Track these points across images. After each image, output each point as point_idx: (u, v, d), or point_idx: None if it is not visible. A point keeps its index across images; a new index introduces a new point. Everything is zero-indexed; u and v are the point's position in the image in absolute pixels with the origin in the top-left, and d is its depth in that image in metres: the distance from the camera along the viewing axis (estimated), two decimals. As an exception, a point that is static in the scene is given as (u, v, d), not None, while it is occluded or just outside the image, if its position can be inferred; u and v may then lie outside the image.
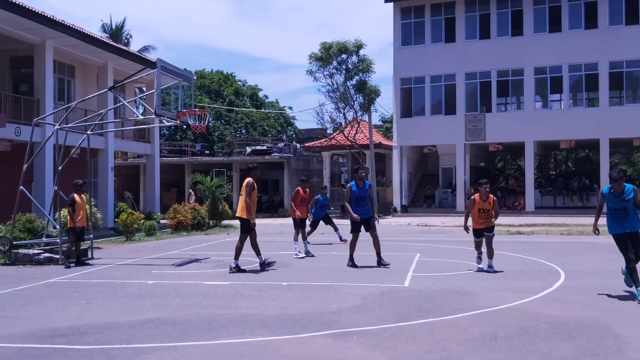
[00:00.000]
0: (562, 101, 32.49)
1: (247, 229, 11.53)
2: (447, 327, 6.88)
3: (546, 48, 30.31)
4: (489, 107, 32.02)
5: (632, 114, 29.20)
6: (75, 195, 13.52)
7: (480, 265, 11.24)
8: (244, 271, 11.51)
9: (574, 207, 30.30)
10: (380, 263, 11.81)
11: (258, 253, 11.76)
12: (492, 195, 11.01)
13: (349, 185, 12.03)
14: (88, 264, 13.39)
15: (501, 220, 25.88)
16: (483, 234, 10.95)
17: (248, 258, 12.41)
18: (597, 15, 29.63)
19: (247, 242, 11.69)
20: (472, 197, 11.00)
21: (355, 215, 11.55)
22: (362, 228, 11.81)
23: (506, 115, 33.10)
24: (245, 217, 11.42)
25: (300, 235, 14.38)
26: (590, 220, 24.64)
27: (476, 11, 31.83)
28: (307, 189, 14.94)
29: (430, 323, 7.12)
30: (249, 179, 11.61)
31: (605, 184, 29.40)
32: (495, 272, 10.80)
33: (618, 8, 29.44)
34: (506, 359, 5.66)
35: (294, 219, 14.58)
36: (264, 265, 11.70)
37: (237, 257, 11.58)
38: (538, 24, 30.74)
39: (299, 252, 14.05)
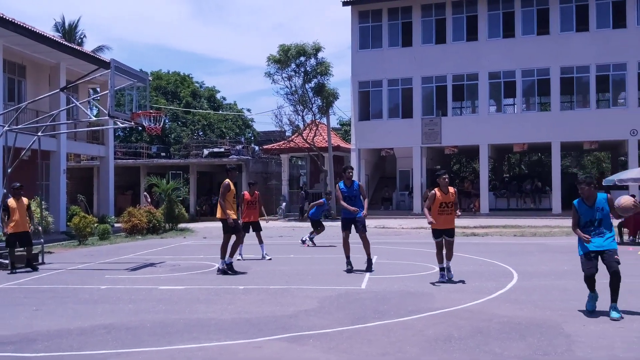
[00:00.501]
0: (516, 105, 33.22)
1: (229, 229, 11.58)
2: (403, 329, 6.93)
3: (500, 53, 30.96)
4: (444, 110, 32.50)
5: (582, 118, 30.08)
6: (10, 200, 13.08)
7: (440, 281, 10.08)
8: (236, 273, 11.50)
9: (526, 209, 31.00)
10: (369, 267, 11.58)
11: (222, 256, 11.66)
12: (452, 187, 10.23)
13: (337, 185, 11.97)
14: (37, 269, 12.99)
15: (456, 222, 26.24)
16: (443, 235, 10.11)
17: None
18: (548, 21, 30.43)
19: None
20: (433, 191, 10.11)
21: (352, 209, 11.32)
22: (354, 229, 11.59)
23: (461, 119, 33.67)
24: (221, 217, 11.59)
25: (256, 239, 14.33)
26: (542, 221, 25.37)
27: (432, 16, 32.28)
28: (255, 192, 14.70)
29: (386, 325, 7.16)
30: (225, 180, 11.74)
31: (557, 187, 30.23)
32: (452, 281, 9.96)
33: (569, 15, 30.29)
34: (460, 360, 5.73)
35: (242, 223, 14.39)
36: (223, 272, 11.56)
37: (223, 256, 11.63)
38: (492, 30, 31.37)
39: (240, 255, 13.84)
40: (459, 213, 10.28)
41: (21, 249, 13.42)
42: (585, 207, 7.56)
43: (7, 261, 13.28)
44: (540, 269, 11.81)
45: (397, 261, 13.44)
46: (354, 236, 11.64)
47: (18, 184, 13.48)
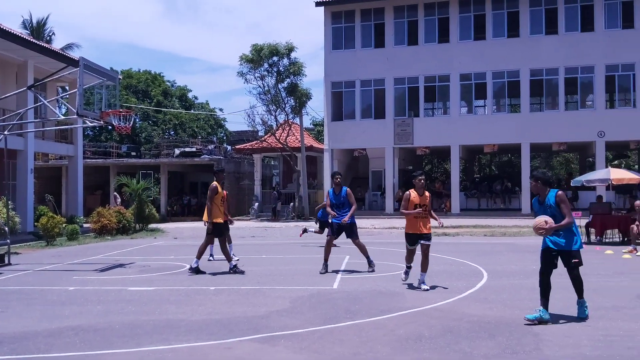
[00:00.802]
0: (486, 107, 33.61)
1: (215, 232, 11.65)
2: (374, 328, 6.96)
3: (471, 55, 31.29)
4: (416, 111, 32.72)
5: (551, 120, 30.57)
6: None
7: (406, 281, 9.91)
8: (203, 272, 11.47)
9: (496, 209, 31.39)
10: (370, 266, 11.60)
11: (198, 256, 11.69)
12: (427, 191, 9.65)
13: (327, 192, 11.97)
14: None
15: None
16: (418, 241, 9.52)
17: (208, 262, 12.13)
18: (519, 24, 30.86)
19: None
20: (407, 192, 9.52)
21: (332, 213, 11.31)
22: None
23: (433, 120, 33.94)
24: (206, 220, 11.77)
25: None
26: (512, 221, 25.69)
27: (404, 18, 32.48)
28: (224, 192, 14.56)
29: (357, 324, 7.18)
30: (212, 183, 11.82)
31: (526, 187, 30.66)
32: (427, 289, 9.30)
33: (538, 18, 30.76)
34: (431, 359, 5.77)
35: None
36: (196, 271, 11.53)
37: (199, 256, 11.64)
38: (464, 32, 31.69)
39: (211, 256, 13.97)
40: (442, 223, 9.79)
41: None
42: (537, 204, 7.50)
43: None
44: (509, 268, 11.97)
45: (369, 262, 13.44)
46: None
47: None
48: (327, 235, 11.86)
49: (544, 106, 32.82)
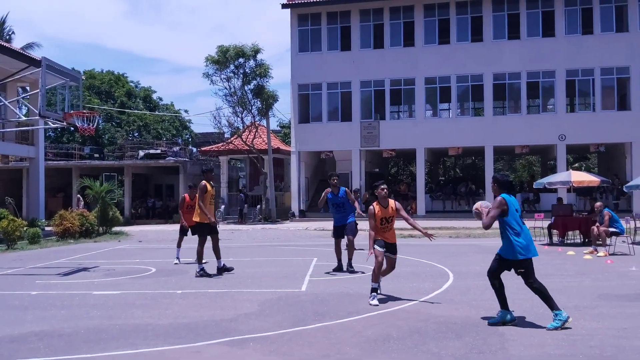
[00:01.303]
0: (451, 110, 34.07)
1: (203, 232, 11.58)
2: (342, 330, 6.99)
3: (436, 59, 31.69)
4: (382, 114, 32.98)
5: (513, 124, 31.17)
6: None
7: (373, 302, 8.39)
8: (209, 276, 11.39)
9: (461, 211, 31.82)
10: (349, 269, 11.75)
11: (199, 261, 11.62)
12: (392, 200, 9.02)
13: (325, 193, 12.27)
14: None
15: (394, 224, 26.69)
16: (386, 252, 8.79)
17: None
18: (482, 29, 31.39)
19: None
20: (371, 208, 8.77)
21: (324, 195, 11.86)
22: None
23: (399, 123, 34.25)
24: (198, 221, 11.60)
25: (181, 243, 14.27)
26: (476, 223, 26.03)
27: (370, 21, 32.71)
28: (195, 195, 14.45)
29: (326, 326, 7.20)
30: (201, 182, 11.72)
31: (490, 189, 31.14)
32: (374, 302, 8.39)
33: (501, 23, 31.35)
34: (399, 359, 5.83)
35: (181, 226, 14.18)
36: (222, 270, 11.62)
37: (199, 260, 11.57)
38: (428, 36, 32.09)
39: (177, 259, 13.95)
40: (433, 238, 9.15)
41: None
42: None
43: None
44: (474, 269, 12.13)
45: (337, 263, 13.49)
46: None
47: None
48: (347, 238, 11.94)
49: (506, 110, 33.46)
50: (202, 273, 11.41)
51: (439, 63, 31.61)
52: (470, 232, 22.59)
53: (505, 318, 7.08)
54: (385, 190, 8.92)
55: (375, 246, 8.62)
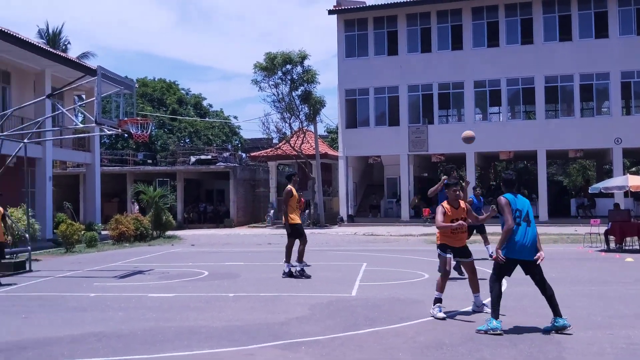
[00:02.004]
0: (501, 114, 33.49)
1: (292, 233, 11.94)
2: (394, 336, 6.96)
3: (485, 62, 31.23)
4: (431, 118, 32.69)
5: (566, 127, 30.39)
6: None
7: (440, 314, 7.77)
8: (298, 276, 11.73)
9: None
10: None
11: (287, 260, 12.00)
12: (462, 201, 8.58)
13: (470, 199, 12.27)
14: (4, 285, 11.74)
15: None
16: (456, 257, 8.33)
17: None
18: (532, 31, 30.78)
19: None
20: (440, 206, 8.44)
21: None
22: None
23: (448, 127, 33.85)
24: (285, 222, 12.06)
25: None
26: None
27: (417, 25, 32.50)
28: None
29: (377, 332, 7.18)
30: (287, 187, 12.17)
31: (543, 194, 30.44)
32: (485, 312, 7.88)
33: (552, 25, 30.66)
34: (453, 366, 5.77)
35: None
36: (290, 275, 11.87)
37: (287, 260, 11.98)
38: (477, 39, 31.66)
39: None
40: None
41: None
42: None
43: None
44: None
45: (387, 268, 13.48)
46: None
47: None
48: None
49: (559, 113, 32.64)
50: (291, 273, 11.80)
51: (489, 66, 31.13)
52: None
53: (491, 325, 6.92)
54: (458, 192, 8.41)
55: (447, 255, 8.14)
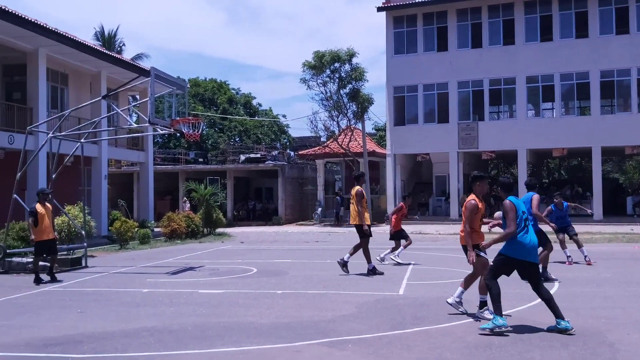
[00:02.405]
0: (554, 109, 32.68)
1: (365, 233, 12.11)
2: (442, 335, 6.91)
3: (538, 57, 30.53)
4: (481, 115, 32.18)
5: (623, 123, 29.42)
6: (38, 205, 12.33)
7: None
8: (381, 273, 11.92)
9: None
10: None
11: (369, 260, 12.13)
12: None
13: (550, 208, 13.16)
14: (59, 281, 12.07)
15: (495, 228, 25.92)
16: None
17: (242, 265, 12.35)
18: (587, 24, 29.90)
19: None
20: (472, 201, 7.88)
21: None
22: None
23: (499, 124, 33.27)
24: (358, 223, 12.13)
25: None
26: (583, 227, 24.86)
27: (468, 20, 32.03)
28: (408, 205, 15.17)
29: (425, 331, 7.14)
30: (357, 188, 12.27)
31: (598, 192, 29.55)
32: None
33: (608, 18, 29.72)
34: (501, 367, 5.69)
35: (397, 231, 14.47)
36: (372, 272, 11.97)
37: (369, 260, 12.08)
38: (529, 33, 30.97)
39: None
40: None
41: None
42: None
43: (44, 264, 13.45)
44: (581, 275, 11.61)
45: (435, 267, 13.37)
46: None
47: (48, 190, 13.38)
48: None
49: (615, 108, 31.64)
50: (375, 270, 11.95)
51: (541, 61, 30.41)
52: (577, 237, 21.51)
53: (497, 323, 6.86)
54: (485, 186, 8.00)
55: (482, 254, 7.81)
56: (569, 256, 13.29)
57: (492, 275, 7.19)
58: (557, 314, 6.88)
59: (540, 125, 31.46)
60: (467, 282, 8.05)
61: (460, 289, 8.03)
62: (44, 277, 12.22)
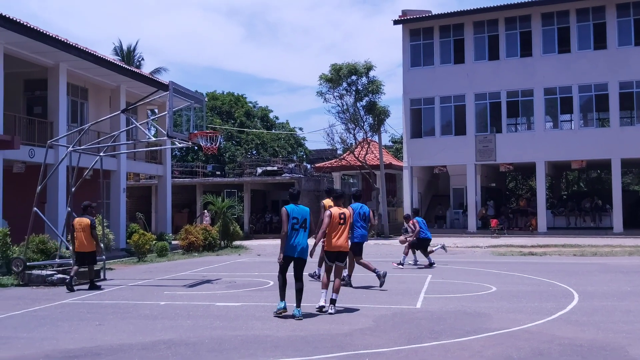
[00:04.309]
0: (573, 121, 32.41)
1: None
2: (460, 349, 6.85)
3: (556, 69, 30.36)
4: (499, 127, 32.02)
5: (643, 134, 29.07)
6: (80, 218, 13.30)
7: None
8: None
9: (586, 228, 30.09)
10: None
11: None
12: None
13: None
14: (100, 288, 13.02)
15: (513, 241, 25.81)
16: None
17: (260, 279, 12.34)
18: (606, 36, 29.69)
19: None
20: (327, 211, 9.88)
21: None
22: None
23: (516, 136, 33.06)
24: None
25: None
26: (603, 240, 24.60)
27: (485, 32, 31.98)
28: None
29: (442, 345, 7.09)
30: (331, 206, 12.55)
31: (618, 205, 29.18)
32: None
33: (627, 29, 29.48)
34: (520, 382, 5.62)
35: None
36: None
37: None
38: (547, 45, 30.83)
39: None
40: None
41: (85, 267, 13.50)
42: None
43: (68, 276, 13.60)
44: (601, 289, 11.45)
45: (452, 280, 13.27)
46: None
47: (88, 202, 13.79)
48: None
49: (635, 120, 31.27)
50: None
51: (559, 73, 30.24)
52: (596, 250, 21.30)
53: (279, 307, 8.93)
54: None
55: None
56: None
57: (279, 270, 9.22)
58: (298, 304, 8.94)
59: (559, 137, 31.22)
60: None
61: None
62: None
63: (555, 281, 12.68)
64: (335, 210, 9.63)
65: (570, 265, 16.35)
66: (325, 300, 9.41)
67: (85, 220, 13.17)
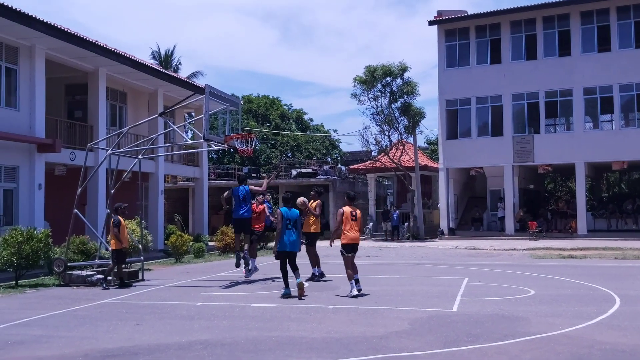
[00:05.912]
0: (614, 122, 31.67)
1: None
2: (497, 353, 6.75)
3: (595, 68, 29.73)
4: (537, 128, 31.49)
5: (688, 134, 28.24)
6: (120, 217, 14.04)
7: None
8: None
9: (628, 230, 29.37)
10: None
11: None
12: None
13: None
14: (131, 286, 13.59)
15: (552, 243, 25.34)
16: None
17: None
18: (648, 33, 28.95)
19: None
20: (340, 210, 11.73)
21: None
22: None
23: (555, 137, 32.46)
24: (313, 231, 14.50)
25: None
26: (638, 243, 23.95)
27: (522, 32, 31.51)
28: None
29: (480, 349, 6.99)
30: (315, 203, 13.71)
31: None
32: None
33: (671, 26, 28.70)
34: (560, 387, 5.51)
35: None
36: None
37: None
38: (586, 44, 30.20)
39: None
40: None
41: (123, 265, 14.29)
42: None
43: (110, 277, 13.93)
44: (645, 294, 11.14)
45: (490, 283, 13.08)
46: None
47: (124, 205, 14.46)
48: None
49: (679, 119, 30.41)
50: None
51: (599, 72, 29.59)
52: (639, 253, 20.75)
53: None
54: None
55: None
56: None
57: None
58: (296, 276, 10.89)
59: (599, 138, 30.54)
60: None
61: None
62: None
63: (596, 285, 12.39)
64: (347, 209, 11.41)
65: (611, 269, 15.96)
66: (358, 289, 11.04)
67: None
